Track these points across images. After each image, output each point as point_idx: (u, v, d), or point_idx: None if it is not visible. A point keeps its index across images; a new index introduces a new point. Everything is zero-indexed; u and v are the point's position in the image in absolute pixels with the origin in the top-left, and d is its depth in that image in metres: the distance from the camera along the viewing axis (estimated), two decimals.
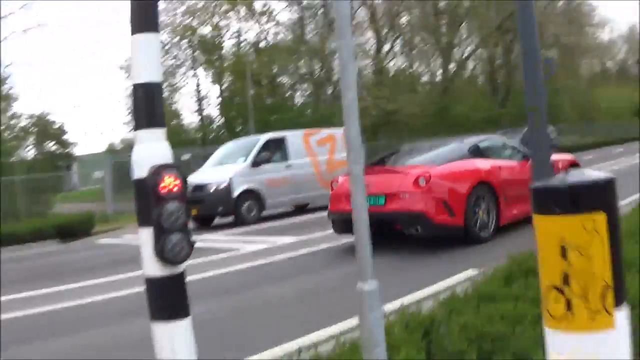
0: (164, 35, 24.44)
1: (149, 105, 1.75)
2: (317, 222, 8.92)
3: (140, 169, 1.74)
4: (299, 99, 26.71)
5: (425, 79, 31.93)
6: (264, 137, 11.73)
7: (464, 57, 32.37)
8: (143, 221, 1.74)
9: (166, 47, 24.71)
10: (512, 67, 34.09)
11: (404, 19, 27.77)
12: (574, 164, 7.48)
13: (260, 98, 24.26)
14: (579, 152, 28.55)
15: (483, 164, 6.51)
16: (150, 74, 1.75)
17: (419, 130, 25.76)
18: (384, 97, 23.78)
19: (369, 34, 27.08)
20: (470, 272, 4.59)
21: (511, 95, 34.26)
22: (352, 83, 1.99)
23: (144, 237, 1.74)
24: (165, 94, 25.83)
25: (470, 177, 6.25)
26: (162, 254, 1.70)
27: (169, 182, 1.72)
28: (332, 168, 12.88)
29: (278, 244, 7.45)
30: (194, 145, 22.26)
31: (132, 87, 1.80)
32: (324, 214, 7.38)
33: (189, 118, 40.27)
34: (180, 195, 1.74)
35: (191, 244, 1.77)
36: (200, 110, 27.41)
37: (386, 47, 28.18)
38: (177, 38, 24.98)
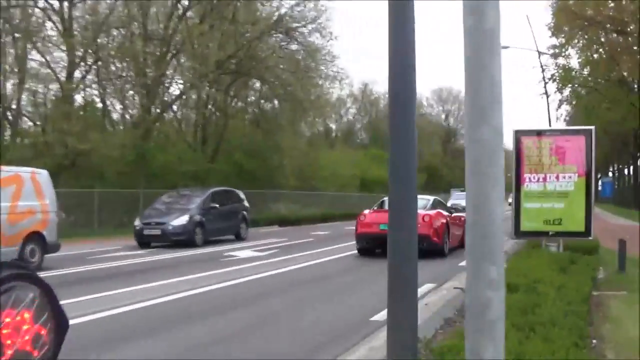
0: None
1: None
2: None
3: None
4: None
5: (125, 117, 35.45)
6: None
7: (172, 96, 36.45)
8: None
9: None
10: (228, 116, 39.88)
11: (103, 39, 30.65)
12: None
13: None
14: (305, 224, 36.76)
15: (444, 213, 18.77)
16: None
17: (113, 178, 29.46)
18: (72, 134, 26.49)
19: (61, 52, 29.07)
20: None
21: (221, 149, 39.55)
22: None
23: None
24: None
25: (444, 218, 18.29)
26: None
27: None
28: (15, 219, 13.69)
29: None
30: None
31: None
32: None
33: None
34: None
35: None
36: None
37: (79, 72, 31.38)
38: None
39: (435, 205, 19.33)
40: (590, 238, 13.13)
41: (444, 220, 18.49)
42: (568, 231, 13.10)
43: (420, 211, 17.02)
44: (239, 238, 24.45)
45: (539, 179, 13.23)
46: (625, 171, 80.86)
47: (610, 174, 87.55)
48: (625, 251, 12.94)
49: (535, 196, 13.22)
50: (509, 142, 13.88)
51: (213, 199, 23.55)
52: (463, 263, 15.16)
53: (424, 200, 18.97)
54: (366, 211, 18.74)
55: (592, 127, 13.54)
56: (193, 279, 12.94)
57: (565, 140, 13.18)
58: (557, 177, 13.11)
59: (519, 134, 13.55)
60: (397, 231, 4.10)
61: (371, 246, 18.05)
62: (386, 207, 14.74)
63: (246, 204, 26.03)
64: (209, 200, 23.26)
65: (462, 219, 20.50)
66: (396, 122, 4.12)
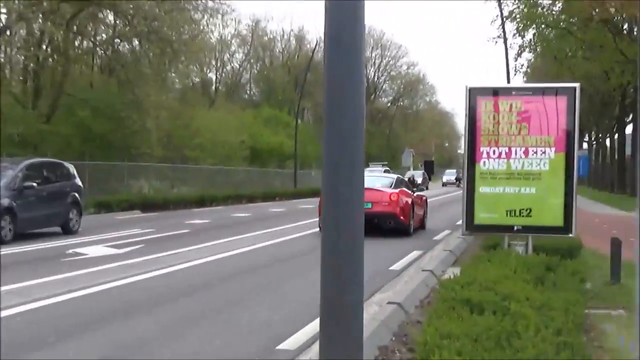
0: None
1: None
2: None
3: None
4: None
5: None
6: None
7: None
8: None
9: None
10: (70, 60, 38.09)
11: None
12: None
13: None
14: (177, 209, 35.87)
15: (408, 192, 23.54)
16: None
17: None
18: None
19: None
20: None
21: (60, 105, 38.16)
22: None
23: None
24: None
25: (409, 197, 22.89)
26: None
27: None
28: None
29: None
30: None
31: None
32: None
33: None
34: None
35: None
36: None
37: None
38: None
39: (398, 183, 23.59)
40: (571, 235, 12.78)
41: (410, 199, 22.79)
42: (540, 225, 12.74)
43: (386, 189, 22.42)
44: (67, 231, 22.34)
45: (500, 154, 12.72)
46: (608, 142, 74.92)
47: (586, 145, 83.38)
48: (620, 255, 12.41)
49: (496, 177, 12.76)
50: (461, 106, 13.45)
51: (28, 174, 21.25)
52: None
53: (388, 179, 24.27)
54: None
55: (577, 85, 12.88)
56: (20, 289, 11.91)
57: (539, 103, 12.68)
58: (526, 153, 12.61)
59: (474, 94, 12.94)
60: (334, 230, 4.04)
61: None
62: None
63: (78, 182, 23.77)
64: (23, 177, 20.82)
65: (423, 198, 25.66)
66: (336, 78, 4.04)
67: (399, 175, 24.86)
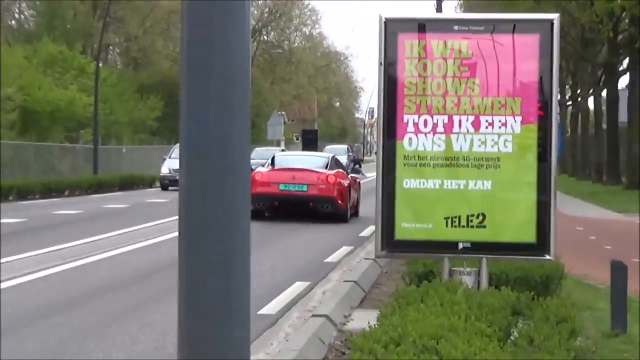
0: None
1: None
2: None
3: None
4: None
5: None
6: None
7: None
8: None
9: None
10: None
11: None
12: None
13: None
14: None
15: (344, 174, 23.64)
16: None
17: None
18: None
19: None
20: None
21: None
22: None
23: None
24: None
25: (346, 180, 22.71)
26: None
27: None
28: None
29: None
30: None
31: None
32: None
33: None
34: None
35: None
36: None
37: None
38: None
39: (333, 164, 23.06)
40: (548, 257, 8.79)
41: (347, 182, 22.20)
42: (500, 242, 8.83)
43: (322, 170, 22.04)
44: None
45: (435, 125, 8.66)
46: (590, 102, 55.07)
47: (555, 110, 62.30)
48: (625, 288, 8.54)
49: (428, 164, 8.77)
50: (363, 46, 8.72)
51: None
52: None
53: (322, 159, 24.19)
54: (261, 169, 22.48)
55: (554, 16, 9.06)
56: None
57: (497, 45, 8.70)
58: (477, 124, 8.63)
59: (392, 29, 8.82)
60: (190, 240, 2.83)
61: (267, 208, 21.83)
62: (284, 164, 23.27)
63: None
64: None
65: (357, 181, 24.89)
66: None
67: (333, 155, 25.38)
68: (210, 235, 2.91)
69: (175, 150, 39.54)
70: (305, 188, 21.15)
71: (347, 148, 51.38)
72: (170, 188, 37.35)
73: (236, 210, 2.89)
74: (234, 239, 2.93)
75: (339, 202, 21.07)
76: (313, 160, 23.73)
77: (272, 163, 23.01)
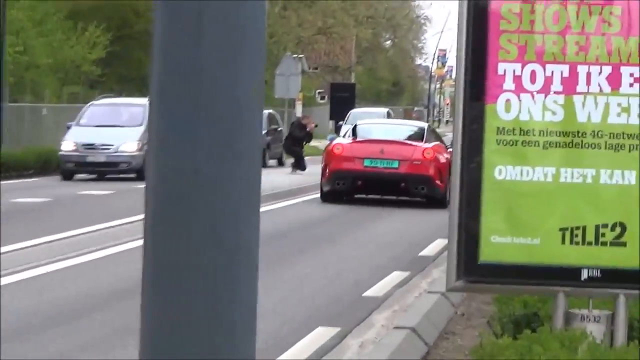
0: None
1: None
2: None
3: None
4: None
5: None
6: None
7: None
8: None
9: None
10: None
11: None
12: None
13: None
14: None
15: (444, 147, 20.64)
16: None
17: None
18: None
19: None
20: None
21: None
22: None
23: None
24: None
25: (446, 155, 18.71)
26: None
27: None
28: None
29: None
30: None
31: None
32: None
33: None
34: None
35: None
36: None
37: None
38: None
39: (431, 135, 19.43)
40: None
41: (447, 158, 17.93)
42: None
43: (417, 143, 19.02)
44: None
45: (549, 80, 6.49)
46: None
47: None
48: None
49: (536, 142, 6.57)
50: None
51: None
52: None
53: (417, 128, 20.30)
54: (341, 140, 19.34)
55: None
56: None
57: None
58: (615, 80, 6.46)
59: None
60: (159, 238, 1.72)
61: (348, 189, 18.86)
62: (369, 134, 19.76)
63: None
64: None
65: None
66: None
67: (429, 124, 23.19)
68: (213, 235, 1.85)
69: (89, 112, 26.56)
70: (396, 165, 19.03)
71: (387, 113, 38.75)
72: (78, 176, 25.39)
73: (248, 204, 1.91)
74: (238, 242, 1.99)
75: (437, 182, 18.48)
76: (405, 130, 21.15)
77: (354, 133, 20.19)
